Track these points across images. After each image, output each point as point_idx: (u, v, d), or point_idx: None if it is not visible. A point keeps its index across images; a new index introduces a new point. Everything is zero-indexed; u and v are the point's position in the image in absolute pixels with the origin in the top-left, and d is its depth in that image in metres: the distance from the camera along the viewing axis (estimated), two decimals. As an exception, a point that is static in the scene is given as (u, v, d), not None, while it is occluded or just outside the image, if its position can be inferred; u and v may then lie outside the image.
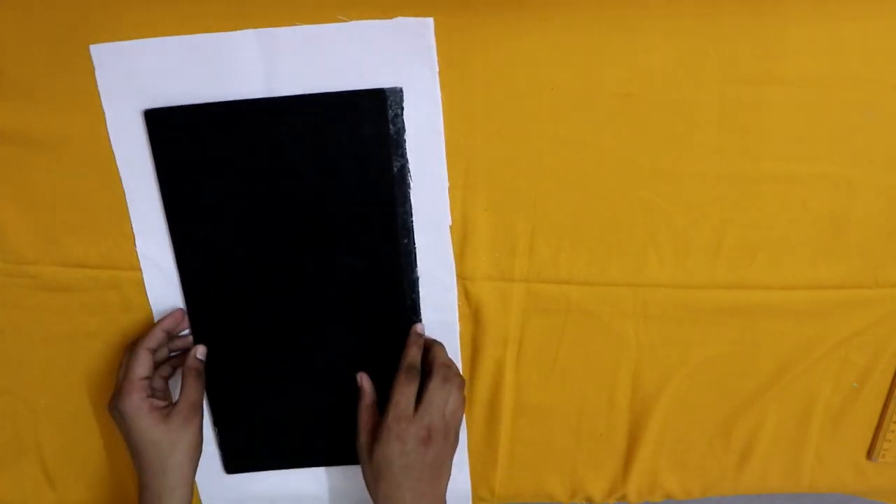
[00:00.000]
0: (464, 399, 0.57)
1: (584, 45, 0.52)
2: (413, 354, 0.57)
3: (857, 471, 0.67)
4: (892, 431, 0.64)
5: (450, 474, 0.56)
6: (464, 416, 0.60)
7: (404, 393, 0.55)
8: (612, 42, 0.51)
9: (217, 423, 0.63)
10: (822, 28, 0.50)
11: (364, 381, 0.59)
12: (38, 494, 0.69)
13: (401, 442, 0.53)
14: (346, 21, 0.51)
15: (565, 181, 0.56)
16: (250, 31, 0.51)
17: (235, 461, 0.65)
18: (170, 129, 0.54)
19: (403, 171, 0.55)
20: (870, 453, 0.66)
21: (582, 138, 0.54)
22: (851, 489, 0.68)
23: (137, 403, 0.55)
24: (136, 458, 0.56)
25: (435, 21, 0.51)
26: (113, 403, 0.56)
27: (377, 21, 0.51)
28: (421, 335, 0.59)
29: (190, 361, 0.59)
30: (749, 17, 0.50)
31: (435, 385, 0.55)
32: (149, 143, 0.55)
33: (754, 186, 0.56)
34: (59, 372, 0.64)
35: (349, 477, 0.67)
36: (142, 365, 0.56)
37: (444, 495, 0.56)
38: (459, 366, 0.62)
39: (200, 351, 0.59)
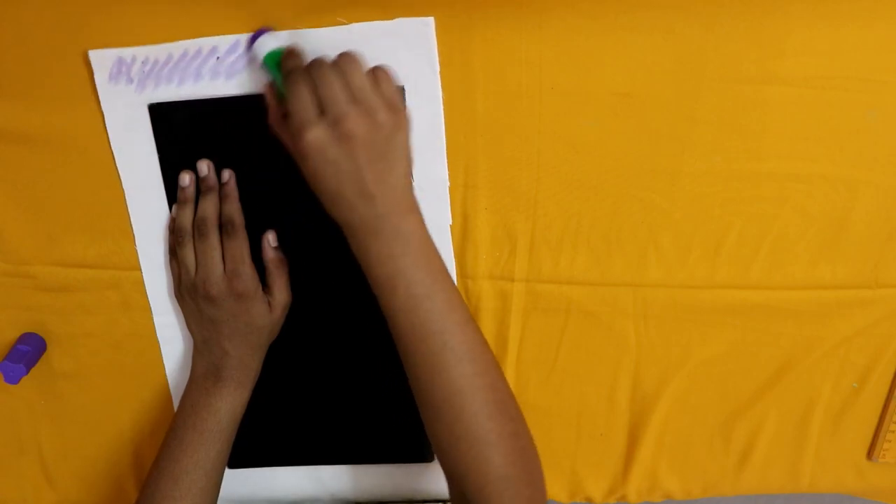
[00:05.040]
0: (357, 61, 0.47)
1: (584, 45, 0.52)
2: (293, 56, 0.49)
3: (857, 471, 0.67)
4: (892, 431, 0.64)
5: (407, 150, 0.49)
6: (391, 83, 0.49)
7: (297, 96, 0.46)
8: (612, 42, 0.51)
9: (217, 422, 0.63)
10: (822, 28, 0.50)
11: (267, 94, 0.51)
12: (38, 494, 0.69)
13: (315, 152, 0.46)
14: (346, 24, 0.51)
15: (565, 181, 0.56)
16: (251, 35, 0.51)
17: (237, 456, 0.65)
18: (174, 123, 0.54)
19: (403, 170, 0.55)
20: (870, 453, 0.66)
21: (582, 138, 0.54)
22: (851, 489, 0.68)
23: (257, 285, 0.55)
24: (224, 343, 0.55)
25: (435, 21, 0.51)
26: (224, 285, 0.54)
27: (378, 23, 0.51)
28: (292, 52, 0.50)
29: (270, 254, 0.56)
30: (749, 17, 0.50)
31: (315, 76, 0.46)
32: (153, 138, 0.55)
33: (754, 186, 0.55)
34: (60, 372, 0.64)
35: (349, 476, 0.67)
36: (247, 247, 0.55)
37: (408, 178, 0.49)
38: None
39: (272, 238, 0.56)
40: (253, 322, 0.55)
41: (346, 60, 0.47)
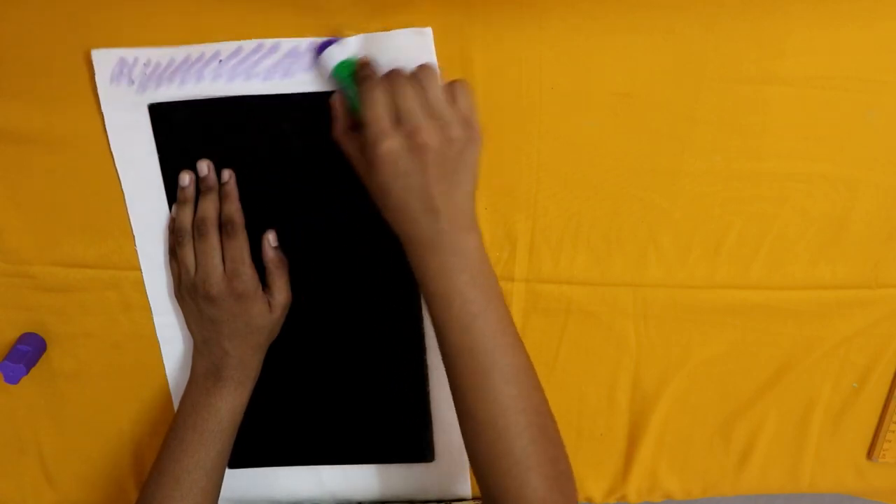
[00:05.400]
0: (435, 74, 0.48)
1: (584, 45, 0.52)
2: (367, 66, 0.49)
3: (857, 471, 0.67)
4: (892, 431, 0.64)
5: (474, 168, 0.48)
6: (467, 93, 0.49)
7: (373, 106, 0.46)
8: (612, 42, 0.51)
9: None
10: (822, 28, 0.50)
11: (336, 105, 0.51)
12: (37, 494, 0.69)
13: (387, 165, 0.46)
14: (352, 35, 0.50)
15: (565, 181, 0.56)
16: (254, 42, 0.51)
17: (237, 456, 0.65)
18: (174, 123, 0.54)
19: (403, 170, 0.55)
20: (870, 453, 0.66)
21: (582, 138, 0.54)
22: (851, 489, 0.68)
23: (257, 285, 0.55)
24: (224, 343, 0.55)
25: (435, 21, 0.50)
26: (224, 285, 0.54)
27: (377, 34, 0.50)
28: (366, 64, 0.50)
29: (270, 254, 0.56)
30: (749, 17, 0.50)
31: (392, 86, 0.46)
32: (153, 138, 0.55)
33: (754, 186, 0.56)
34: (60, 372, 0.64)
35: (349, 476, 0.67)
36: (247, 247, 0.55)
37: (472, 196, 0.48)
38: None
39: (272, 238, 0.56)
40: (253, 322, 0.55)
41: (424, 73, 0.47)
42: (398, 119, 0.46)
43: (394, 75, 0.47)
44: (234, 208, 0.55)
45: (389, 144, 0.45)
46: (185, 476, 0.54)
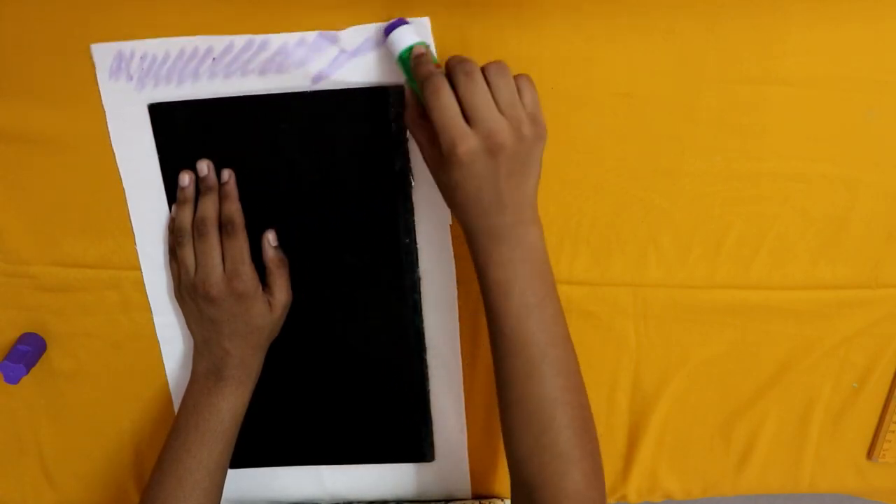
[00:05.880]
0: (507, 71, 0.47)
1: (584, 44, 0.52)
2: (423, 60, 0.48)
3: (857, 471, 0.67)
4: (892, 431, 0.64)
5: (539, 163, 0.49)
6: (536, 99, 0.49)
7: (444, 105, 0.46)
8: (612, 42, 0.51)
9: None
10: (822, 28, 0.50)
11: (407, 93, 0.51)
12: (38, 494, 0.69)
13: (464, 166, 0.46)
14: (347, 28, 0.50)
15: (565, 181, 0.56)
16: (252, 37, 0.51)
17: (238, 456, 0.65)
18: (173, 123, 0.54)
19: (404, 169, 0.55)
20: (870, 453, 0.66)
21: (582, 138, 0.54)
22: (851, 489, 0.68)
23: (257, 284, 0.55)
24: (224, 343, 0.55)
25: (435, 20, 0.50)
26: (224, 285, 0.54)
27: (375, 24, 0.50)
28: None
29: (270, 253, 0.56)
30: (749, 17, 0.50)
31: (463, 82, 0.46)
32: (153, 138, 0.55)
33: (754, 186, 0.55)
34: (60, 372, 0.64)
35: (349, 476, 0.67)
36: (247, 247, 0.55)
37: (536, 190, 0.49)
38: (460, 367, 0.62)
39: (272, 238, 0.56)
40: (253, 322, 0.55)
41: (495, 70, 0.47)
42: (469, 115, 0.46)
43: (463, 70, 0.46)
44: (233, 208, 0.55)
45: (468, 147, 0.46)
46: (188, 476, 0.54)
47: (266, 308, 0.56)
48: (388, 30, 0.49)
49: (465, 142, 0.45)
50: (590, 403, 0.51)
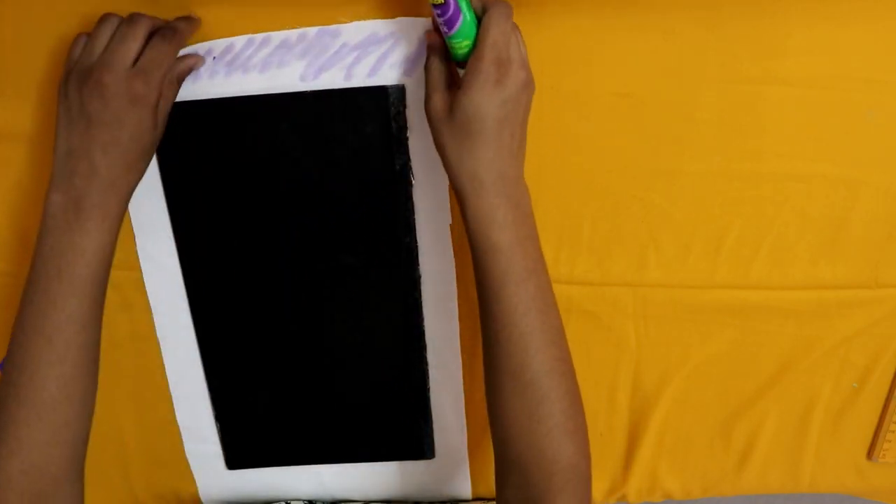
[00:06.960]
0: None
1: (583, 45, 0.52)
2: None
3: (857, 471, 0.67)
4: (892, 431, 0.64)
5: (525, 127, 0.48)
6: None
7: (500, 28, 0.44)
8: (612, 42, 0.51)
9: (219, 418, 0.63)
10: (822, 28, 0.51)
11: (430, 37, 0.49)
12: (38, 494, 0.68)
13: (501, 88, 0.44)
14: (346, 22, 0.51)
15: (565, 181, 0.56)
16: (253, 37, 0.51)
17: (237, 457, 0.65)
18: (172, 123, 0.54)
19: (405, 169, 0.55)
20: (870, 453, 0.66)
21: (582, 138, 0.54)
22: (851, 489, 0.68)
23: (158, 97, 0.47)
24: (95, 156, 0.46)
25: (435, 21, 0.51)
26: (123, 78, 0.45)
27: (378, 21, 0.51)
28: None
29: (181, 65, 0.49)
30: (749, 17, 0.50)
31: (497, 16, 0.45)
32: None
33: (754, 186, 0.56)
34: (60, 372, 0.64)
35: (349, 476, 0.67)
36: (177, 65, 0.48)
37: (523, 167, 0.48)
38: (460, 366, 0.62)
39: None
40: (139, 136, 0.47)
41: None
42: (510, 53, 0.45)
43: (508, 11, 0.46)
44: (184, 22, 0.48)
45: (526, 76, 0.45)
46: (58, 334, 0.46)
47: (153, 123, 0.47)
48: None
49: (507, 65, 0.44)
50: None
